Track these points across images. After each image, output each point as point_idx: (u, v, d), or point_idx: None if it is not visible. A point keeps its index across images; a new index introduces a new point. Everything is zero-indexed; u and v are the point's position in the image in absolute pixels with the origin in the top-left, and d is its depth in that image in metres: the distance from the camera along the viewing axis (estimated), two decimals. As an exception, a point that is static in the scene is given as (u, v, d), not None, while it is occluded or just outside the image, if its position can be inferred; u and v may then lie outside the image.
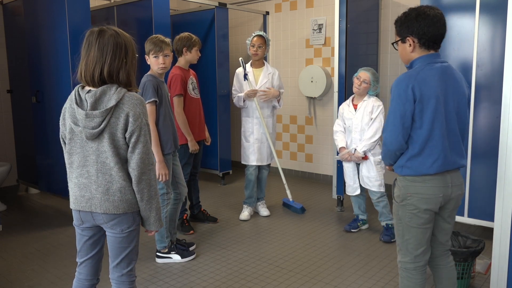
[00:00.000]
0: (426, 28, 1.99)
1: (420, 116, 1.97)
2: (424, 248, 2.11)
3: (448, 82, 2.02)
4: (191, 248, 3.43)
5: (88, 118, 1.76)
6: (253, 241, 3.66)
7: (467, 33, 3.35)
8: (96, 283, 2.06)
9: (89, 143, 1.81)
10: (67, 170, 1.91)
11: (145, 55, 3.07)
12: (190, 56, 3.67)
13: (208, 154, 5.36)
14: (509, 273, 2.33)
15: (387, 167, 2.25)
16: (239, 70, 4.13)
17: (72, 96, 1.82)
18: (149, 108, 2.94)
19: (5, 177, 4.53)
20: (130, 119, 1.78)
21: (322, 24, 5.30)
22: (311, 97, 5.47)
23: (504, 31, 2.73)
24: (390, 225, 3.62)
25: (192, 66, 3.87)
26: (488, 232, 3.51)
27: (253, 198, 4.25)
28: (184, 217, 3.86)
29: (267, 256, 3.36)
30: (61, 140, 1.91)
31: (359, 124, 3.60)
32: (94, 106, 1.77)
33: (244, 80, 4.07)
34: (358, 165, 3.70)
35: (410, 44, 2.04)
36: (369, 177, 3.61)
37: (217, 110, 5.34)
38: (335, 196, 4.40)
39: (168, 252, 3.26)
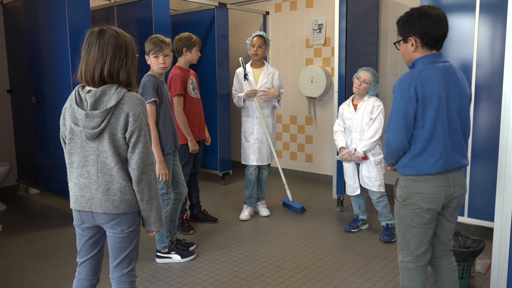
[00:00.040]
0: (429, 28, 1.99)
1: (422, 116, 1.98)
2: (425, 248, 2.11)
3: (450, 82, 2.02)
4: (191, 248, 3.43)
5: (88, 118, 1.76)
6: (253, 241, 3.66)
7: (467, 33, 3.35)
8: (96, 283, 2.06)
9: (89, 143, 1.82)
10: (67, 170, 1.91)
11: (145, 55, 3.07)
12: (190, 56, 3.67)
13: (208, 154, 5.36)
14: (509, 273, 2.33)
15: (388, 167, 2.25)
16: (239, 70, 4.13)
17: (72, 96, 1.83)
18: (149, 108, 2.94)
19: (5, 177, 4.53)
20: (130, 119, 1.78)
21: (322, 24, 5.30)
22: (311, 97, 5.47)
23: (504, 31, 2.73)
24: (390, 225, 3.62)
25: (192, 66, 3.88)
26: (488, 232, 3.51)
27: (253, 198, 4.25)
28: (184, 217, 3.86)
29: (267, 256, 3.36)
30: (61, 140, 1.91)
31: (359, 124, 3.60)
32: (94, 106, 1.77)
33: (244, 80, 4.07)
34: (358, 165, 3.70)
35: (412, 44, 2.05)
36: (369, 177, 3.62)
37: (217, 110, 5.34)
38: (335, 196, 4.40)
39: (168, 252, 3.26)
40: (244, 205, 4.27)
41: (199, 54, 3.73)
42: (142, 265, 3.20)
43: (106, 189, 1.82)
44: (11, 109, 5.04)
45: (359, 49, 4.50)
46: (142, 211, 1.90)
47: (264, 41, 4.05)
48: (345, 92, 4.14)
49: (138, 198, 1.86)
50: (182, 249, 3.32)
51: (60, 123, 1.89)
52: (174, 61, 3.50)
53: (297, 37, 5.58)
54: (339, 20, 4.08)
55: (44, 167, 4.41)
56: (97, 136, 1.79)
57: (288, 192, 4.42)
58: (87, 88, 1.82)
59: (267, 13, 5.82)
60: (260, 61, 4.14)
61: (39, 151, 4.44)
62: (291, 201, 4.42)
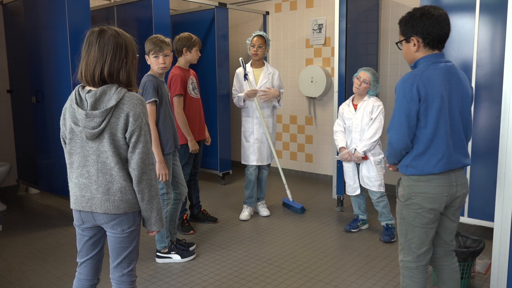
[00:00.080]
0: (431, 28, 1.99)
1: (425, 115, 1.98)
2: (427, 248, 2.12)
3: (452, 82, 2.02)
4: (191, 248, 3.43)
5: (88, 118, 1.76)
6: (253, 241, 3.66)
7: (467, 33, 3.35)
8: (97, 283, 2.06)
9: (89, 143, 1.82)
10: (68, 170, 1.91)
11: (145, 55, 3.07)
12: (190, 56, 3.67)
13: (208, 154, 5.36)
14: (509, 273, 2.33)
15: (390, 168, 2.25)
16: (239, 70, 4.13)
17: (72, 96, 1.83)
18: (149, 108, 2.94)
19: (5, 177, 4.53)
20: (130, 119, 1.78)
21: (322, 24, 5.30)
22: (311, 97, 5.47)
23: (504, 31, 2.73)
24: (390, 225, 3.62)
25: (192, 66, 3.88)
26: (488, 232, 3.51)
27: (253, 198, 4.25)
28: (184, 217, 3.86)
29: (267, 256, 3.36)
30: (61, 140, 1.91)
31: (359, 124, 3.60)
32: (94, 106, 1.77)
33: (244, 80, 4.07)
34: (358, 165, 3.70)
35: (414, 44, 2.05)
36: (369, 177, 3.62)
37: (217, 110, 5.34)
38: (335, 196, 4.40)
39: (168, 252, 3.27)
40: (244, 205, 4.27)
41: (199, 54, 3.73)
42: (142, 265, 3.20)
43: (107, 189, 1.82)
44: (11, 109, 5.04)
45: (359, 49, 4.50)
46: (142, 211, 1.90)
47: (264, 41, 4.05)
48: (345, 92, 4.14)
49: (138, 198, 1.86)
50: (182, 249, 3.32)
51: (60, 123, 1.89)
52: (174, 61, 3.50)
53: (297, 37, 5.58)
54: (339, 20, 4.08)
55: (44, 167, 4.41)
56: (97, 136, 1.79)
57: (288, 192, 4.42)
58: (87, 88, 1.82)
59: (267, 13, 5.82)
60: (260, 61, 4.14)
61: (39, 151, 4.44)
62: (291, 201, 4.42)
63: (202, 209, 4.14)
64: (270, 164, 4.29)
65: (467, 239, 2.79)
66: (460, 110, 2.05)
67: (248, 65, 4.13)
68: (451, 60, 3.35)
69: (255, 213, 4.33)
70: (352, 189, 3.76)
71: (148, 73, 3.09)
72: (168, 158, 3.06)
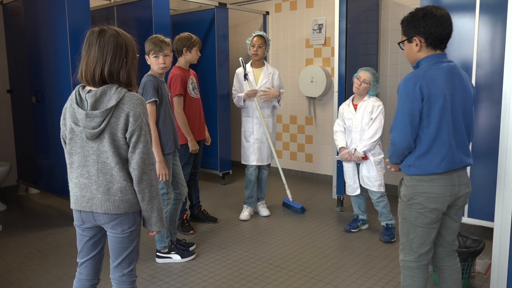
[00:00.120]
0: (433, 28, 2.00)
1: (427, 115, 1.98)
2: (428, 248, 2.12)
3: (455, 82, 2.03)
4: (191, 248, 3.43)
5: (89, 118, 1.76)
6: (253, 241, 3.66)
7: (467, 33, 3.35)
8: (97, 283, 2.06)
9: (89, 143, 1.82)
10: (68, 170, 1.91)
11: (145, 55, 3.07)
12: (190, 56, 3.67)
13: (208, 154, 5.36)
14: (509, 273, 2.33)
15: (392, 169, 2.25)
16: (239, 70, 4.13)
17: (72, 96, 1.83)
18: (149, 108, 2.94)
19: (5, 177, 4.53)
20: (131, 119, 1.78)
21: (322, 24, 5.30)
22: (311, 97, 5.47)
23: (504, 31, 2.73)
24: (390, 225, 3.62)
25: (192, 66, 3.88)
26: (488, 232, 3.51)
27: (253, 198, 4.25)
28: (184, 217, 3.86)
29: (267, 256, 3.36)
30: (61, 140, 1.91)
31: (359, 124, 3.60)
32: (95, 106, 1.77)
33: (244, 80, 4.07)
34: (358, 165, 3.70)
35: (416, 44, 2.05)
36: (369, 177, 3.62)
37: (217, 110, 5.34)
38: (335, 196, 4.40)
39: (168, 252, 3.27)
40: (244, 205, 4.27)
41: (199, 54, 3.73)
42: (142, 265, 3.20)
43: (107, 189, 1.82)
44: (11, 109, 5.04)
45: (359, 49, 4.50)
46: (143, 212, 1.90)
47: (264, 41, 4.05)
48: (345, 92, 4.14)
49: (139, 198, 1.86)
50: (182, 249, 3.32)
51: (61, 123, 1.89)
52: (174, 61, 3.50)
53: (297, 37, 5.58)
54: (339, 20, 4.08)
55: (44, 167, 4.41)
56: (97, 136, 1.79)
57: (288, 192, 4.42)
58: (88, 88, 1.82)
59: (267, 13, 5.82)
60: (260, 61, 4.14)
61: (39, 151, 4.44)
62: (291, 201, 4.42)
63: (202, 209, 4.14)
64: (270, 164, 4.29)
65: (467, 239, 2.79)
66: (463, 110, 2.05)
67: (248, 65, 4.13)
68: (452, 60, 3.35)
69: (255, 213, 4.33)
70: (352, 189, 3.76)
71: (148, 73, 3.09)
72: (168, 158, 3.06)
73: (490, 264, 2.86)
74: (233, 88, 4.19)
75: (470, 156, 2.12)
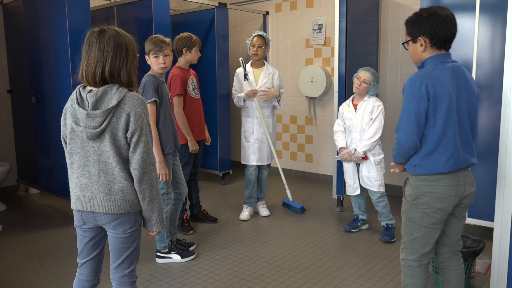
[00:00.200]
0: (438, 28, 2.00)
1: (433, 115, 1.98)
2: (430, 248, 2.13)
3: (460, 81, 2.03)
4: (191, 248, 3.43)
5: (89, 117, 1.76)
6: (253, 241, 3.66)
7: (467, 33, 3.35)
8: (97, 283, 2.06)
9: (90, 143, 1.81)
10: (68, 170, 1.91)
11: (145, 55, 3.07)
12: (190, 56, 3.67)
13: (208, 154, 5.36)
14: (509, 273, 2.33)
15: (396, 170, 2.24)
16: (239, 70, 4.13)
17: (73, 96, 1.83)
18: (150, 108, 2.94)
19: (5, 177, 4.53)
20: (131, 119, 1.78)
21: (322, 24, 5.30)
22: (311, 97, 5.47)
23: (504, 31, 2.73)
24: (390, 225, 3.62)
25: (192, 66, 3.88)
26: (488, 232, 3.51)
27: (253, 198, 4.25)
28: (184, 217, 3.86)
29: (267, 256, 3.36)
30: (62, 140, 1.91)
31: (359, 124, 3.60)
32: (95, 106, 1.77)
33: (244, 80, 4.08)
34: (358, 165, 3.70)
35: (421, 44, 2.05)
36: (369, 177, 3.62)
37: (217, 110, 5.34)
38: (335, 196, 4.40)
39: (168, 252, 3.27)
40: (244, 205, 4.27)
41: (199, 54, 3.73)
42: (142, 265, 3.20)
43: (108, 189, 1.82)
44: (11, 109, 5.04)
45: (359, 49, 4.50)
46: (143, 212, 1.90)
47: (264, 41, 4.05)
48: (345, 92, 4.14)
49: (139, 198, 1.86)
50: (182, 249, 3.32)
51: (61, 123, 1.89)
52: (174, 61, 3.50)
53: (297, 37, 5.58)
54: (339, 20, 4.08)
55: (44, 167, 4.41)
56: (98, 136, 1.79)
57: (288, 192, 4.42)
58: (88, 88, 1.82)
59: (267, 13, 5.82)
60: (260, 61, 4.14)
61: (39, 151, 4.44)
62: (291, 201, 4.42)
63: (202, 209, 4.14)
64: (270, 164, 4.29)
65: (467, 239, 2.79)
66: (467, 109, 2.06)
67: (248, 65, 4.13)
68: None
69: (255, 213, 4.33)
70: (352, 189, 3.76)
71: (148, 73, 3.09)
72: (168, 158, 3.06)
73: (490, 264, 2.86)
74: (233, 88, 4.19)
75: (475, 155, 2.13)
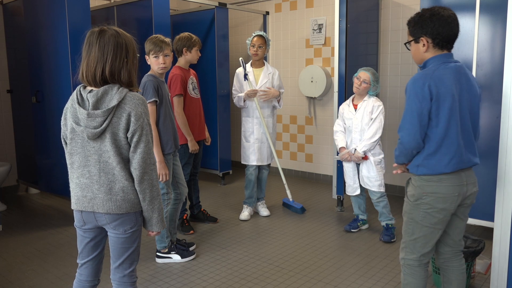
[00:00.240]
0: (441, 29, 2.00)
1: (436, 115, 1.99)
2: (431, 248, 2.13)
3: (462, 81, 2.04)
4: (191, 248, 3.43)
5: (90, 117, 1.76)
6: (253, 241, 3.66)
7: (467, 33, 3.35)
8: (97, 284, 2.06)
9: (90, 143, 1.81)
10: (68, 170, 1.91)
11: (145, 55, 3.07)
12: (190, 56, 3.67)
13: (208, 154, 5.36)
14: (509, 273, 2.33)
15: (398, 171, 2.24)
16: (239, 70, 4.14)
17: (73, 96, 1.83)
18: (150, 108, 2.94)
19: (5, 177, 4.53)
20: (132, 119, 1.78)
21: (322, 24, 5.30)
22: (311, 97, 5.47)
23: (504, 31, 2.73)
24: (390, 225, 3.62)
25: (192, 66, 3.88)
26: (488, 232, 3.51)
27: (253, 198, 4.25)
28: (184, 217, 3.86)
29: (267, 256, 3.36)
30: (62, 140, 1.91)
31: (359, 124, 3.60)
32: (96, 106, 1.77)
33: (244, 80, 4.08)
34: (358, 165, 3.70)
35: (424, 44, 2.06)
36: (369, 177, 3.62)
37: (217, 110, 5.34)
38: (335, 196, 4.40)
39: (168, 252, 3.27)
40: (244, 205, 4.27)
41: (199, 54, 3.73)
42: (142, 265, 3.20)
43: (109, 189, 1.82)
44: (11, 109, 5.04)
45: (359, 49, 4.50)
46: (144, 212, 1.90)
47: (264, 41, 4.05)
48: (345, 92, 4.14)
49: (140, 198, 1.86)
50: (182, 249, 3.32)
51: (61, 123, 1.89)
52: (174, 61, 3.50)
53: (297, 37, 5.58)
54: (339, 20, 4.08)
55: (44, 167, 4.41)
56: (98, 136, 1.79)
57: (288, 192, 4.42)
58: (89, 88, 1.82)
59: (267, 13, 5.82)
60: (260, 61, 4.14)
61: (39, 151, 4.44)
62: (291, 201, 4.42)
63: (202, 209, 4.14)
64: (270, 164, 4.29)
65: (467, 239, 2.79)
66: (470, 109, 2.06)
67: (248, 65, 4.13)
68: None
69: (255, 213, 4.33)
70: (352, 189, 3.76)
71: (148, 73, 3.09)
72: (168, 158, 3.06)
73: (490, 264, 2.86)
74: (233, 88, 4.19)
75: (477, 155, 2.13)
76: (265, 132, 4.12)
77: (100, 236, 1.97)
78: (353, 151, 3.63)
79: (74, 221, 1.96)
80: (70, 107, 1.83)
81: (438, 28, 2.01)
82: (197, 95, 3.81)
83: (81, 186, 1.86)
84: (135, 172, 1.82)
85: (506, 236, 2.32)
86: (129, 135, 1.80)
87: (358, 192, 3.74)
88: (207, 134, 3.99)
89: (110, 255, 1.96)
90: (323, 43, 5.32)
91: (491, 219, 2.64)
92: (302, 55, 5.56)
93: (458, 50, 3.40)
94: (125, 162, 1.83)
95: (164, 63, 3.03)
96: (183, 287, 2.91)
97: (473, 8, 3.30)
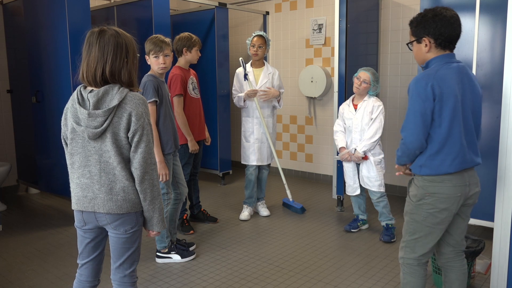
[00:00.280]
0: (443, 29, 2.01)
1: (439, 115, 1.99)
2: (431, 248, 2.13)
3: (465, 81, 2.04)
4: (191, 248, 3.43)
5: (91, 117, 1.76)
6: (253, 241, 3.66)
7: (467, 33, 3.35)
8: (97, 284, 2.06)
9: (91, 143, 1.81)
10: (69, 170, 1.91)
11: (145, 55, 3.07)
12: (190, 56, 3.67)
13: (208, 154, 5.36)
14: (509, 273, 2.34)
15: (400, 172, 2.24)
16: (239, 70, 4.14)
17: (74, 96, 1.83)
18: (150, 108, 2.93)
19: (5, 177, 4.53)
20: (133, 119, 1.78)
21: (322, 24, 5.30)
22: (311, 97, 5.47)
23: (504, 31, 2.73)
24: (390, 225, 3.63)
25: (192, 66, 3.88)
26: (488, 232, 3.51)
27: (253, 198, 4.25)
28: (184, 217, 3.86)
29: (267, 256, 3.36)
30: (62, 140, 1.91)
31: (359, 124, 3.60)
32: (97, 106, 1.77)
33: (244, 80, 4.08)
34: (358, 165, 3.70)
35: (426, 45, 2.06)
36: (369, 177, 3.62)
37: (217, 110, 5.34)
38: (335, 196, 4.40)
39: (168, 252, 3.27)
40: (244, 205, 4.27)
41: (199, 54, 3.73)
42: (142, 265, 3.20)
43: (109, 189, 1.82)
44: (11, 109, 5.04)
45: (359, 49, 4.50)
46: (144, 212, 1.89)
47: (264, 41, 4.05)
48: (345, 92, 4.14)
49: (141, 198, 1.86)
50: (182, 249, 3.32)
51: (62, 124, 1.89)
52: (174, 61, 3.50)
53: (297, 37, 5.58)
54: (339, 20, 4.08)
55: (44, 167, 4.41)
56: (99, 136, 1.79)
57: (288, 192, 4.42)
58: (89, 88, 1.82)
59: (267, 13, 5.82)
60: (260, 61, 4.14)
61: (39, 151, 4.44)
62: (291, 201, 4.42)
63: (202, 209, 4.14)
64: (270, 164, 4.29)
65: (467, 239, 2.79)
66: (472, 109, 2.07)
67: (248, 65, 4.13)
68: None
69: (255, 213, 4.33)
70: (352, 189, 3.76)
71: (148, 73, 3.09)
72: (168, 158, 3.06)
73: (490, 264, 2.86)
74: (233, 88, 4.19)
75: (479, 155, 2.13)
76: (265, 132, 4.12)
77: (100, 237, 1.97)
78: (353, 151, 3.63)
79: (74, 221, 1.96)
80: (71, 107, 1.83)
81: (440, 28, 2.01)
82: (197, 95, 3.81)
83: (82, 186, 1.86)
84: (136, 172, 1.82)
85: (506, 236, 2.32)
86: (130, 135, 1.80)
87: (358, 192, 3.74)
88: (207, 134, 3.99)
89: (111, 255, 1.96)
90: (323, 43, 5.32)
91: (491, 219, 2.64)
92: (302, 55, 5.56)
93: (458, 50, 3.38)
94: (126, 162, 1.83)
95: (164, 63, 3.03)
96: (183, 287, 2.91)
97: (473, 8, 3.30)
